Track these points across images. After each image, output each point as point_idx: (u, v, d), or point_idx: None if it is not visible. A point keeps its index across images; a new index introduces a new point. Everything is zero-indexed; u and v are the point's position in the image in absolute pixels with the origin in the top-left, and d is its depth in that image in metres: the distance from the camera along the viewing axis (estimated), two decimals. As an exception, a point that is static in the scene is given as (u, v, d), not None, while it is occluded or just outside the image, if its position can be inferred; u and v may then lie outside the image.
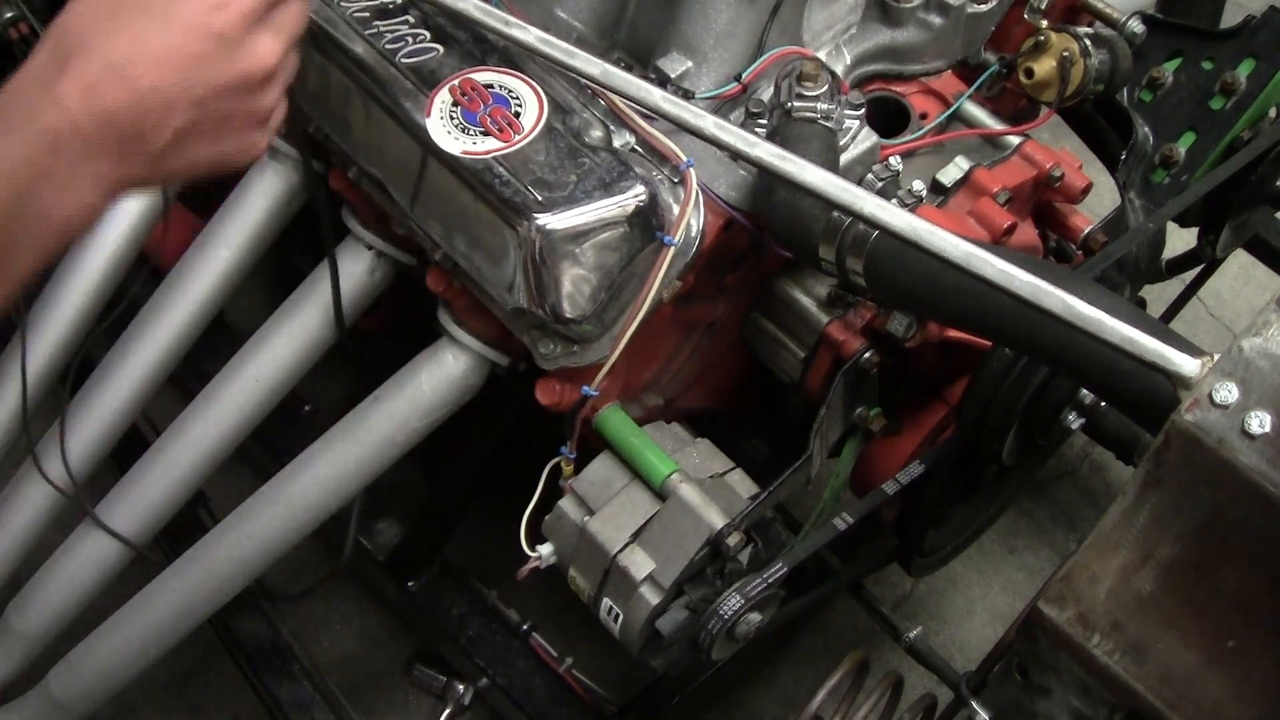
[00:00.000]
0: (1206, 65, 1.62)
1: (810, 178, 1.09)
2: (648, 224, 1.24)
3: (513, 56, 1.32)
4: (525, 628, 1.80)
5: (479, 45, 1.33)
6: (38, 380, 1.57)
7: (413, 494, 1.91)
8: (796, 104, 1.29)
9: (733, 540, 1.25)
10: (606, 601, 1.30)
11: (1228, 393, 0.91)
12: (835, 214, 1.23)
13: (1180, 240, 1.85)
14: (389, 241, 1.49)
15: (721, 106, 1.38)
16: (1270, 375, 0.92)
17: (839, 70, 1.47)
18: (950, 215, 1.41)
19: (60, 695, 1.55)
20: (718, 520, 1.25)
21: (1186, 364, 0.95)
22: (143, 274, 1.60)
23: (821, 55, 1.45)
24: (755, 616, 1.28)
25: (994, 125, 1.52)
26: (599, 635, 1.35)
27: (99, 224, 1.61)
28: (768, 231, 1.32)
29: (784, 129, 1.29)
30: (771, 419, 1.69)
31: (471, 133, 1.26)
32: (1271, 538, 0.89)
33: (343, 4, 1.34)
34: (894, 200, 1.38)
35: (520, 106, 1.28)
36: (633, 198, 1.23)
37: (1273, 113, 1.66)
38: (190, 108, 0.85)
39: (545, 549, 1.33)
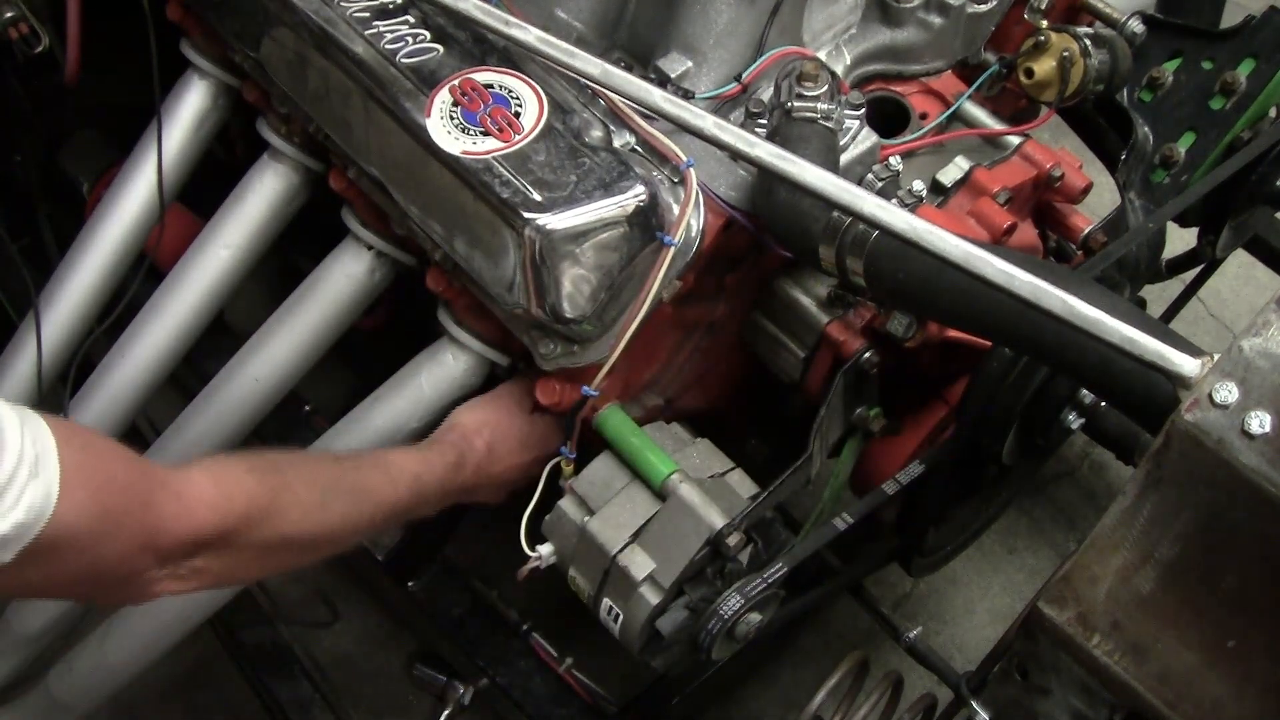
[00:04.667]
0: (1206, 65, 1.62)
1: (810, 178, 1.09)
2: (648, 224, 1.24)
3: (513, 56, 1.32)
4: (525, 628, 1.79)
5: (479, 45, 1.33)
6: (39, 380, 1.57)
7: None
8: (796, 104, 1.29)
9: (733, 540, 1.25)
10: (606, 601, 1.30)
11: (1228, 393, 0.91)
12: (835, 214, 1.23)
13: (1180, 240, 1.84)
14: (389, 241, 1.49)
15: (721, 106, 1.37)
16: (1270, 375, 0.92)
17: (839, 70, 1.47)
18: (950, 215, 1.41)
19: (60, 695, 1.55)
20: (718, 520, 1.25)
21: (1186, 364, 0.95)
22: (142, 274, 1.60)
23: (821, 55, 1.45)
24: (755, 616, 1.28)
25: (994, 125, 1.52)
26: (599, 635, 1.35)
27: (99, 225, 1.62)
28: (768, 231, 1.32)
29: (784, 129, 1.29)
30: (771, 419, 1.69)
31: (471, 133, 1.26)
32: (1271, 538, 0.89)
33: (343, 4, 1.34)
34: (894, 200, 1.38)
35: (520, 106, 1.28)
36: (633, 198, 1.23)
37: (1273, 113, 1.66)
38: None
39: (545, 549, 1.33)
